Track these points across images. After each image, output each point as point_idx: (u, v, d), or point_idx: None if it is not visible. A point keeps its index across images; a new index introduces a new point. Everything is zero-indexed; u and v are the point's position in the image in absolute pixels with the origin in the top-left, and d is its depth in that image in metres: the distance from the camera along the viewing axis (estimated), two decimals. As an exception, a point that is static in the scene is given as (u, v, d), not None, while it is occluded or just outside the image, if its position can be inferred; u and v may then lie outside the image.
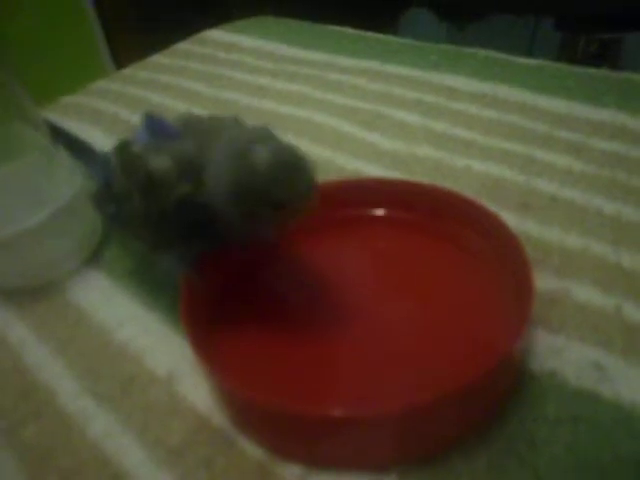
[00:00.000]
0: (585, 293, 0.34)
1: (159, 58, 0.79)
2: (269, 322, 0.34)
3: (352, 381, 0.31)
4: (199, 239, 0.33)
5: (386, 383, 0.29)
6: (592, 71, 0.59)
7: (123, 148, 0.34)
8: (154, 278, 0.39)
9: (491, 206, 0.36)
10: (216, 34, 0.84)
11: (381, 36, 0.76)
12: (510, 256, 0.33)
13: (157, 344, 0.35)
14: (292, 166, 0.29)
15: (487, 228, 0.35)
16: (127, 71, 0.77)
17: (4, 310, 0.39)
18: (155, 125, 0.33)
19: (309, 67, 0.69)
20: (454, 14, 1.39)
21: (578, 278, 0.35)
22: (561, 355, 0.31)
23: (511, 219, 0.38)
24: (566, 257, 0.37)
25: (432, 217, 0.38)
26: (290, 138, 0.52)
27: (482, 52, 0.66)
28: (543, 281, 0.34)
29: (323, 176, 0.45)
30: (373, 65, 0.66)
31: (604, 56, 1.25)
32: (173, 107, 0.63)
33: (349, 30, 0.79)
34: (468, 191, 0.38)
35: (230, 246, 0.34)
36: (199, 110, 0.61)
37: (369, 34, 0.77)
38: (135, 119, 0.60)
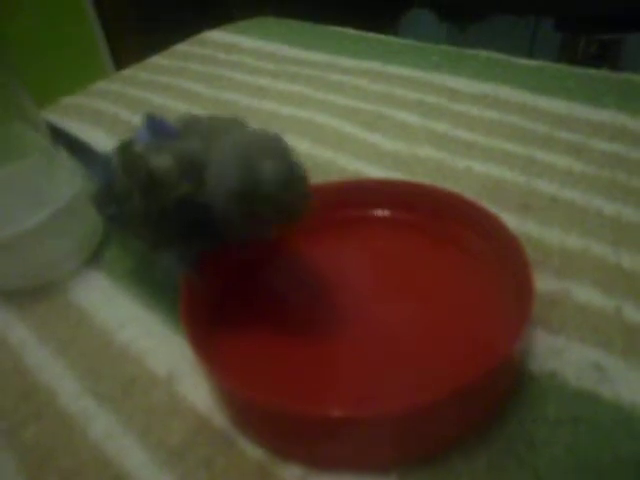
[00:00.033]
0: (585, 294, 0.34)
1: (159, 59, 0.79)
2: (269, 322, 0.34)
3: (352, 381, 0.31)
4: (199, 238, 0.33)
5: (386, 383, 0.29)
6: (592, 72, 0.59)
7: (124, 148, 0.34)
8: (155, 279, 0.39)
9: (492, 207, 0.36)
10: (216, 35, 0.84)
11: (382, 37, 0.76)
12: (510, 257, 0.33)
13: (158, 345, 0.35)
14: (295, 180, 0.30)
15: (487, 229, 0.35)
16: (127, 72, 0.77)
17: (5, 311, 0.39)
18: (156, 125, 0.33)
19: (310, 68, 0.69)
20: (455, 15, 1.39)
21: (578, 279, 0.35)
22: (561, 356, 0.31)
23: (511, 220, 0.38)
24: (566, 258, 0.37)
25: (433, 218, 0.38)
26: (291, 139, 0.52)
27: (483, 53, 0.66)
28: (543, 282, 0.34)
29: (324, 177, 0.46)
30: (375, 66, 0.66)
31: (604, 57, 1.25)
32: (173, 108, 0.63)
33: (350, 31, 0.79)
34: (469, 192, 0.38)
35: (230, 245, 0.34)
36: (199, 111, 0.61)
37: (370, 35, 0.77)
38: (135, 120, 0.60)
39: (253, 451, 0.29)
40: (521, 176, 0.45)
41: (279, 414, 0.27)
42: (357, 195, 0.41)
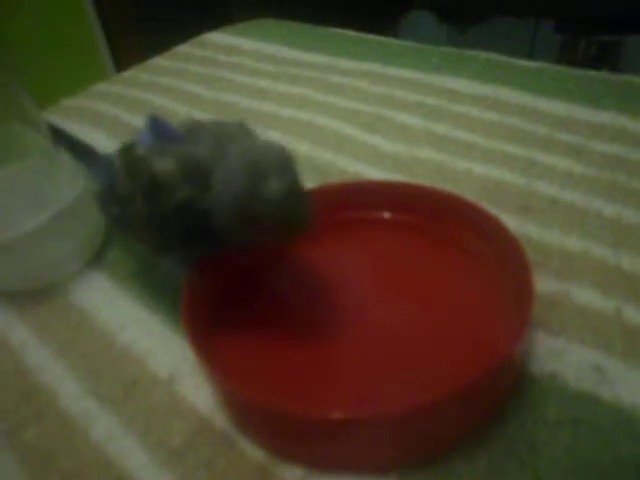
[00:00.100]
0: (585, 295, 0.34)
1: (159, 60, 0.79)
2: (269, 324, 0.34)
3: (352, 382, 0.31)
4: (200, 244, 0.33)
5: (386, 384, 0.29)
6: (592, 73, 0.59)
7: (127, 150, 0.34)
8: (156, 280, 0.39)
9: (492, 209, 0.36)
10: (216, 37, 0.84)
11: (382, 39, 0.76)
12: (510, 259, 0.33)
13: (159, 346, 0.35)
14: (298, 196, 0.30)
15: (488, 231, 0.36)
16: (128, 73, 0.77)
17: (6, 312, 0.39)
18: (159, 128, 0.33)
19: (310, 70, 0.69)
20: (455, 17, 1.39)
21: (578, 280, 0.35)
22: (561, 357, 0.31)
23: (511, 222, 0.38)
24: (566, 260, 0.37)
25: (433, 220, 0.39)
26: (291, 141, 0.53)
27: (483, 55, 0.66)
28: (543, 283, 0.35)
29: (324, 178, 0.46)
30: (374, 68, 0.66)
31: (604, 58, 1.25)
32: (174, 109, 0.63)
33: (350, 32, 0.79)
34: (469, 194, 0.38)
35: (230, 251, 0.34)
36: (199, 112, 0.61)
37: (370, 37, 0.77)
38: (136, 121, 0.60)
39: (253, 452, 0.29)
40: (521, 178, 0.45)
41: (279, 415, 0.27)
42: (357, 197, 0.41)
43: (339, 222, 0.40)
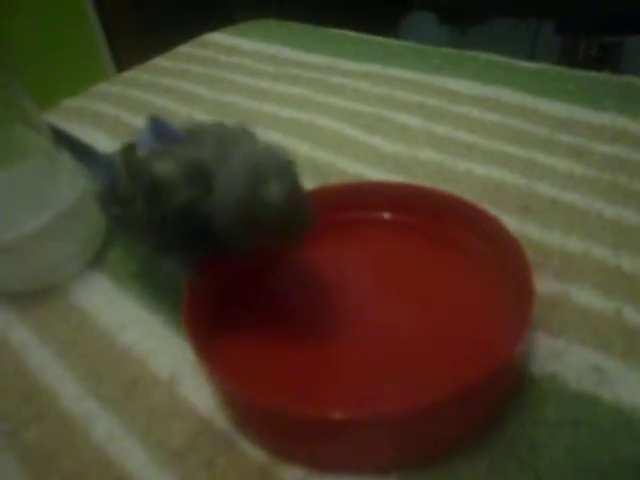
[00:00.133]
0: (585, 296, 0.34)
1: (160, 61, 0.79)
2: (270, 324, 0.34)
3: (352, 382, 0.31)
4: (201, 246, 0.33)
5: (386, 384, 0.30)
6: (593, 75, 0.59)
7: (128, 151, 0.34)
8: (157, 281, 0.39)
9: (492, 209, 0.37)
10: (217, 37, 0.84)
11: (383, 39, 0.76)
12: (511, 259, 0.33)
13: (160, 347, 0.35)
14: (298, 201, 0.30)
15: (488, 232, 0.36)
16: (128, 74, 0.77)
17: (6, 312, 0.39)
18: (160, 128, 0.33)
19: (310, 70, 0.69)
20: (455, 18, 1.39)
21: (579, 281, 0.35)
22: (561, 358, 0.31)
23: (512, 222, 0.38)
24: (567, 260, 0.37)
25: (433, 220, 0.39)
26: (291, 141, 0.53)
27: (484, 56, 0.66)
28: (544, 284, 0.35)
29: (324, 179, 0.46)
30: (375, 68, 0.66)
31: (605, 59, 1.25)
32: (174, 110, 0.63)
33: (351, 33, 0.79)
34: (469, 195, 0.38)
35: (232, 254, 0.34)
36: (200, 113, 0.61)
37: (371, 37, 0.77)
38: (137, 122, 0.60)
39: (254, 452, 0.29)
40: (522, 179, 0.45)
41: (279, 415, 0.27)
42: (357, 198, 0.41)
43: (339, 223, 0.40)
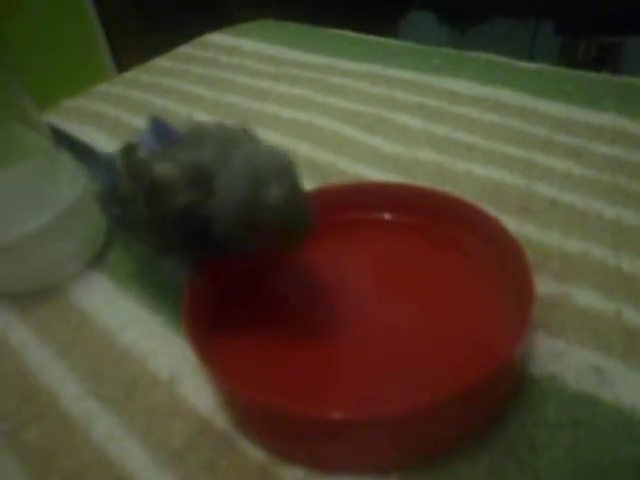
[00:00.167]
0: (585, 297, 0.34)
1: (161, 61, 0.79)
2: (270, 324, 0.34)
3: (352, 382, 0.31)
4: (201, 247, 0.33)
5: (386, 384, 0.30)
6: (592, 75, 0.59)
7: (129, 152, 0.34)
8: (157, 281, 0.39)
9: (492, 210, 0.37)
10: (217, 38, 0.84)
11: (382, 40, 0.76)
12: (510, 260, 0.33)
13: (160, 347, 0.35)
14: (298, 205, 0.30)
15: (487, 232, 0.36)
16: (129, 74, 0.77)
17: (6, 313, 0.39)
18: (161, 129, 0.33)
19: (310, 71, 0.69)
20: (455, 18, 1.39)
21: (578, 282, 0.35)
22: (561, 359, 0.31)
23: (511, 223, 0.38)
24: (566, 261, 0.37)
25: (433, 221, 0.39)
26: (291, 142, 0.53)
27: (484, 56, 0.66)
28: (543, 285, 0.35)
29: (324, 180, 0.46)
30: (375, 69, 0.67)
31: (604, 60, 1.25)
32: (175, 111, 0.63)
33: (350, 33, 0.79)
34: (469, 195, 0.38)
35: (232, 256, 0.34)
36: (201, 113, 0.61)
37: (370, 37, 0.77)
38: (137, 122, 0.60)
39: (254, 453, 0.29)
40: (521, 179, 0.45)
41: (279, 415, 0.27)
42: (357, 198, 0.41)
43: (339, 223, 0.40)
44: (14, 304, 0.40)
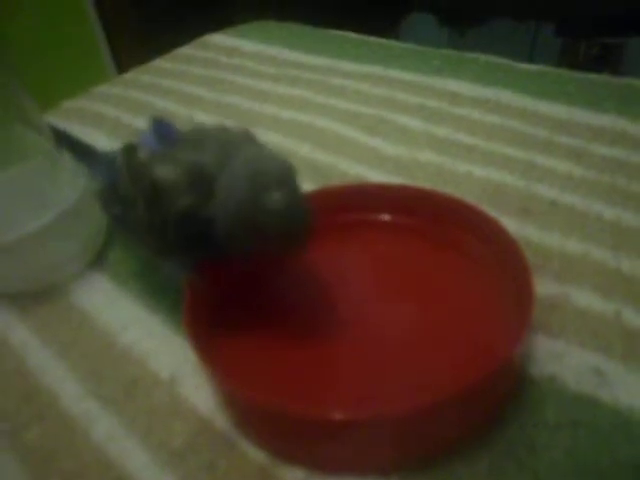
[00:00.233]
0: (585, 298, 0.35)
1: (161, 62, 0.79)
2: (270, 324, 0.34)
3: (352, 383, 0.31)
4: (201, 249, 0.33)
5: (386, 385, 0.30)
6: (593, 77, 0.59)
7: (129, 153, 0.34)
8: (157, 281, 0.39)
9: (492, 211, 0.37)
10: (218, 38, 0.84)
11: (383, 41, 0.76)
12: (510, 261, 0.33)
13: (160, 347, 0.35)
14: (299, 211, 0.30)
15: (488, 233, 0.36)
16: (129, 75, 0.77)
17: (7, 313, 0.39)
18: (162, 130, 0.33)
19: (311, 72, 0.69)
20: (455, 19, 1.39)
21: (578, 283, 0.35)
22: (561, 360, 0.31)
23: (511, 224, 0.38)
24: (566, 262, 0.37)
25: (433, 222, 0.39)
26: (292, 143, 0.53)
27: (484, 57, 0.66)
28: (543, 286, 0.35)
29: (325, 181, 0.46)
30: (376, 70, 0.67)
31: (605, 61, 1.25)
32: (175, 111, 0.63)
33: (351, 35, 0.79)
34: (469, 196, 0.38)
35: (232, 259, 0.34)
36: (201, 114, 0.61)
37: (371, 39, 0.77)
38: (137, 123, 0.60)
39: (255, 453, 0.29)
40: (521, 180, 0.45)
41: (280, 415, 0.27)
42: (358, 199, 0.41)
43: (340, 224, 0.40)
44: (14, 304, 0.40)
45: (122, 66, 1.63)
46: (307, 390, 0.30)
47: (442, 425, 0.27)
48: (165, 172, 0.31)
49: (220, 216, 0.30)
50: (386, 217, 0.41)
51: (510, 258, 0.33)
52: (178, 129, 0.34)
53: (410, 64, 0.67)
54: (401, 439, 0.27)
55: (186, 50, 0.82)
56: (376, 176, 0.48)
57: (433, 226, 0.39)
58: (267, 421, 0.29)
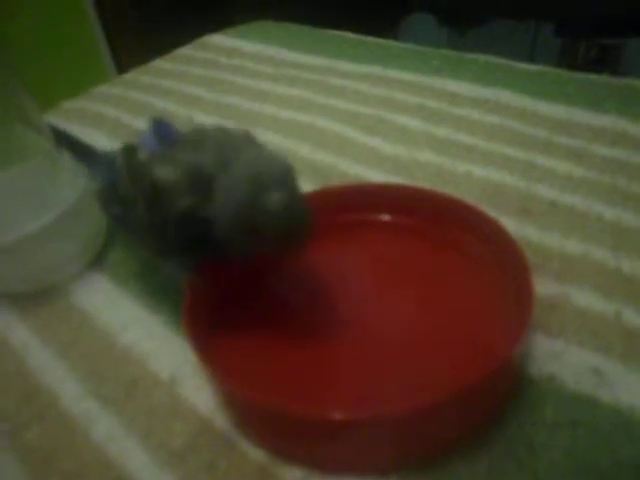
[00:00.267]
0: (585, 298, 0.35)
1: (161, 63, 0.79)
2: (270, 324, 0.34)
3: (352, 382, 0.31)
4: (201, 250, 0.33)
5: (386, 385, 0.30)
6: (593, 77, 0.59)
7: (129, 153, 0.34)
8: (157, 281, 0.39)
9: (491, 211, 0.37)
10: (217, 39, 0.84)
11: (382, 41, 0.76)
12: (510, 261, 0.33)
13: (160, 347, 0.35)
14: (298, 212, 0.30)
15: (487, 233, 0.36)
16: (129, 76, 0.77)
17: (7, 313, 0.39)
18: (162, 130, 0.33)
19: (310, 72, 0.69)
20: (454, 19, 1.39)
21: (578, 283, 0.36)
22: (560, 360, 0.31)
23: (511, 224, 0.38)
24: (566, 262, 0.37)
25: (433, 222, 0.39)
26: (292, 143, 0.53)
27: (483, 57, 0.66)
28: (543, 286, 0.35)
29: (325, 181, 0.46)
30: (375, 70, 0.67)
31: (604, 61, 1.25)
32: (175, 112, 0.63)
33: (350, 35, 0.79)
34: (469, 196, 0.38)
35: (232, 260, 0.34)
36: (201, 115, 0.61)
37: (370, 39, 0.77)
38: (137, 124, 0.60)
39: (255, 453, 0.29)
40: (521, 181, 0.45)
41: (279, 415, 0.27)
42: (358, 199, 0.41)
43: (340, 224, 0.40)
44: (14, 305, 0.40)
45: (122, 66, 1.63)
46: (307, 390, 0.30)
47: (442, 425, 0.27)
48: (165, 173, 0.31)
49: (220, 217, 0.30)
50: (386, 217, 0.41)
51: (510, 258, 0.33)
52: (178, 130, 0.34)
53: (409, 64, 0.67)
54: (401, 439, 0.27)
55: (186, 50, 0.82)
56: (375, 176, 0.48)
57: (433, 226, 0.39)
58: (267, 421, 0.29)
